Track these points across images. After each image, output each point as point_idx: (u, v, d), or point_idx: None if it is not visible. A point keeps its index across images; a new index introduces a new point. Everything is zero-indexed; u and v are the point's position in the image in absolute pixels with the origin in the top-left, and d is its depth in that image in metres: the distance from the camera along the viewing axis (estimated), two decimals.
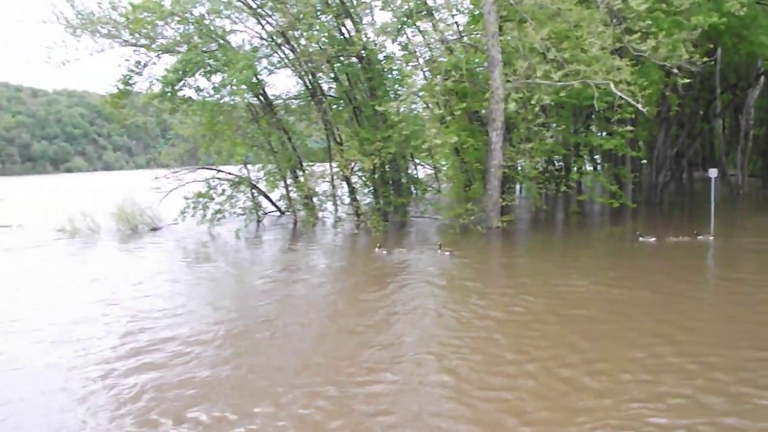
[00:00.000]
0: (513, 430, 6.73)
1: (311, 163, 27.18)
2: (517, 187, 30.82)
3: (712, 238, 17.77)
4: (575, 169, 27.76)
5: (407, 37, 27.16)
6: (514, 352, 9.10)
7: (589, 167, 29.60)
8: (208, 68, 24.38)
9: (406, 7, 24.54)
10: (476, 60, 23.36)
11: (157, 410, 7.54)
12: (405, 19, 25.08)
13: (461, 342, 9.62)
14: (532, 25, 19.19)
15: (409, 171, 31.88)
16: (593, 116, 26.80)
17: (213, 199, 26.31)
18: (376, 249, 18.48)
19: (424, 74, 26.94)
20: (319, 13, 24.01)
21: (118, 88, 25.13)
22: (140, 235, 25.44)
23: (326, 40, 24.04)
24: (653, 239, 18.04)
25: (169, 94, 24.52)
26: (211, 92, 25.21)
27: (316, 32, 23.52)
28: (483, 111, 23.40)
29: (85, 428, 7.20)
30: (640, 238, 18.21)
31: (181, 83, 24.38)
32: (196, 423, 7.18)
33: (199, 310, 12.46)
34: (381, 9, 26.06)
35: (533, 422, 6.86)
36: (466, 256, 17.46)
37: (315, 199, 26.56)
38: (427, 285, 13.84)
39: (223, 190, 26.76)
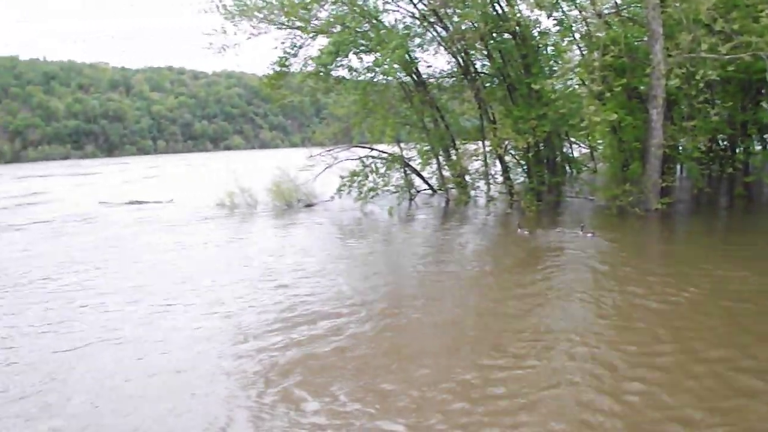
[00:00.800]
0: None
1: (464, 142, 27.00)
2: (678, 167, 29.49)
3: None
4: (742, 148, 26.21)
5: (563, 11, 26.44)
6: (675, 349, 8.30)
7: (758, 147, 27.75)
8: (361, 48, 24.64)
9: None
10: (635, 34, 22.47)
11: (301, 386, 7.65)
12: None
13: (615, 333, 9.04)
14: None
15: (564, 150, 31.13)
16: (764, 91, 25.19)
17: (367, 177, 26.63)
18: (518, 230, 18.13)
19: (580, 50, 26.16)
20: None
21: (274, 70, 25.82)
22: (295, 211, 26.18)
23: (479, 17, 23.72)
24: None
25: (322, 74, 25.00)
26: (364, 72, 25.51)
27: (468, 9, 23.25)
28: (642, 87, 22.47)
29: (233, 400, 7.45)
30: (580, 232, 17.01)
31: (335, 63, 24.76)
32: (334, 399, 7.22)
33: (350, 287, 12.58)
34: None
35: None
36: (621, 240, 16.77)
37: (467, 178, 26.42)
38: (580, 269, 13.29)
39: (377, 168, 27.01)
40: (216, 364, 8.46)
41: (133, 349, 9.18)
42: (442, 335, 9.56)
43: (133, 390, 7.72)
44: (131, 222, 24.23)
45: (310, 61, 25.02)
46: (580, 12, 24.94)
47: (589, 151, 36.68)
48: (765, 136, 28.78)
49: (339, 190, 26.72)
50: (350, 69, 25.68)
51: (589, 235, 16.75)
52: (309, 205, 27.40)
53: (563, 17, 26.14)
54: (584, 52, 23.91)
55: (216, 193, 28.75)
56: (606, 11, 23.07)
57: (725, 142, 27.19)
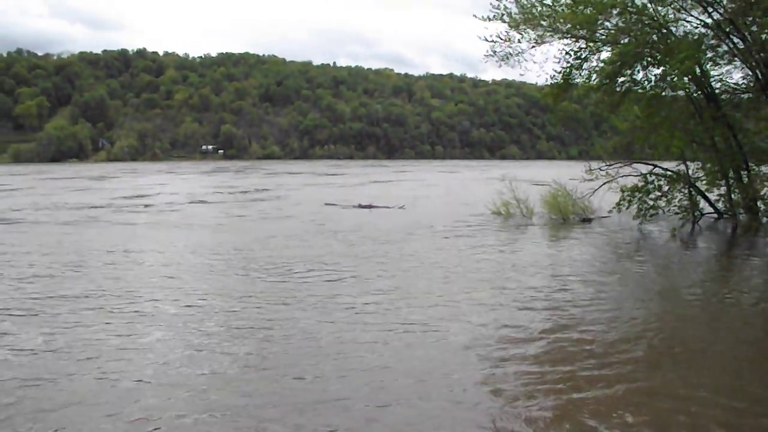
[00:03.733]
0: None
1: (758, 163, 24.99)
2: None
3: None
4: None
5: None
6: None
7: None
8: (647, 59, 23.69)
9: None
10: None
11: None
12: None
13: None
14: None
15: None
16: None
17: (648, 194, 25.51)
18: None
19: None
20: None
21: (557, 81, 25.51)
22: (571, 225, 25.72)
23: None
24: None
25: (606, 86, 24.32)
26: (650, 84, 24.47)
27: None
28: None
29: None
30: None
31: (619, 76, 24.01)
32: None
33: (615, 310, 12.04)
34: None
35: None
36: None
37: (760, 204, 24.44)
38: None
39: (660, 186, 25.77)
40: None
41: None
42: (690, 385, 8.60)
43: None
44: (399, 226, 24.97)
45: (594, 73, 24.48)
46: None
47: None
48: None
49: (618, 205, 25.82)
50: (635, 81, 24.76)
51: None
52: (585, 220, 26.80)
53: None
54: None
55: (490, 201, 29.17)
56: None
57: None
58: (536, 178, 41.25)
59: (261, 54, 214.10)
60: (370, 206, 32.97)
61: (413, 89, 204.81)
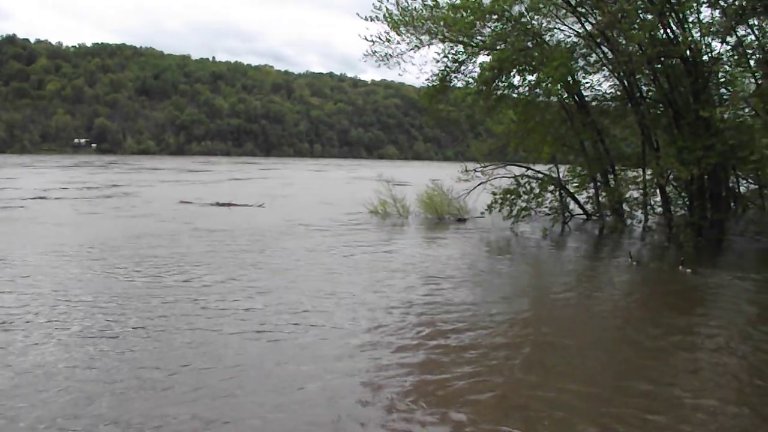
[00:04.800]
0: None
1: (624, 168, 26.21)
2: None
3: None
4: None
5: (737, 36, 25.23)
6: None
7: None
8: (523, 66, 24.42)
9: (738, 2, 22.79)
10: None
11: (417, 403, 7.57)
12: (738, 16, 23.30)
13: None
14: None
15: (730, 184, 29.68)
16: None
17: (520, 196, 26.32)
18: (680, 267, 17.08)
19: (755, 78, 24.88)
20: (641, 11, 23.02)
21: (434, 84, 26.00)
22: (446, 225, 26.27)
23: (647, 40, 22.98)
24: None
25: (483, 91, 24.92)
26: (525, 90, 25.25)
27: (637, 32, 22.57)
28: None
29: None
30: None
31: (496, 81, 24.65)
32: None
33: (487, 307, 12.43)
34: (707, 6, 24.36)
35: None
36: None
37: (625, 206, 25.66)
38: (739, 320, 12.11)
39: (531, 188, 26.64)
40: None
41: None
42: (562, 375, 9.02)
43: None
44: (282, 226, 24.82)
45: (471, 78, 25.07)
46: (758, 38, 23.77)
47: (757, 187, 34.75)
48: None
49: (490, 207, 26.51)
50: (511, 86, 25.50)
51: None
52: (460, 220, 27.41)
53: (741, 42, 24.95)
54: (760, 81, 22.76)
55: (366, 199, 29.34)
56: None
57: None
58: (413, 178, 41.73)
59: (138, 46, 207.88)
60: (229, 204, 32.27)
61: (293, 87, 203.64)
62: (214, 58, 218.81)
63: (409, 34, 24.55)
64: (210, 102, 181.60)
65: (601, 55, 25.53)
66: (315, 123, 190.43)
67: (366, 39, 25.18)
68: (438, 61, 25.67)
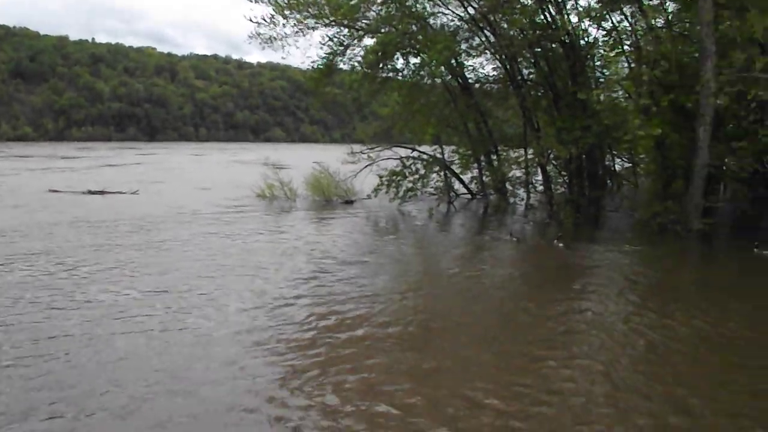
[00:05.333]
0: None
1: (506, 149, 26.96)
2: (722, 187, 29.14)
3: None
4: None
5: (612, 22, 26.23)
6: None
7: None
8: (408, 49, 24.66)
9: None
10: (687, 50, 22.24)
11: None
12: (611, 2, 24.21)
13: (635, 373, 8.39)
14: (754, 14, 17.92)
15: (606, 163, 30.90)
16: None
17: (406, 177, 26.69)
18: (555, 241, 17.98)
19: (628, 62, 25.93)
20: None
21: (320, 67, 26.00)
22: (334, 207, 26.36)
23: (528, 25, 23.62)
24: None
25: (368, 73, 25.06)
26: (410, 73, 25.53)
27: (517, 16, 23.16)
28: (690, 105, 22.24)
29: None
30: (755, 250, 16.61)
31: (381, 64, 24.81)
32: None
33: (376, 285, 12.66)
34: None
35: None
36: (659, 259, 16.65)
37: (507, 185, 26.39)
38: (611, 291, 12.75)
39: (417, 170, 27.04)
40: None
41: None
42: (439, 350, 9.35)
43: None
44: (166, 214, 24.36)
45: (356, 62, 25.18)
46: (631, 24, 24.77)
47: (631, 165, 36.32)
48: None
49: (377, 188, 26.79)
50: (395, 70, 25.73)
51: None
52: (348, 202, 27.55)
53: (614, 28, 25.94)
54: (632, 65, 23.72)
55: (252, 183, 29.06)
56: (657, 25, 22.90)
57: None
58: (300, 160, 41.53)
59: (11, 25, 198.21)
60: (102, 192, 30.24)
61: (176, 69, 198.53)
62: (93, 39, 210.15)
63: (293, 18, 24.42)
64: (90, 85, 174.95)
65: (484, 39, 26.10)
66: (200, 106, 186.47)
67: (251, 20, 24.92)
68: (323, 46, 25.71)
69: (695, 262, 17.55)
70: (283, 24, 24.61)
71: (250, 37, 25.34)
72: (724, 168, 22.84)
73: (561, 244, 17.62)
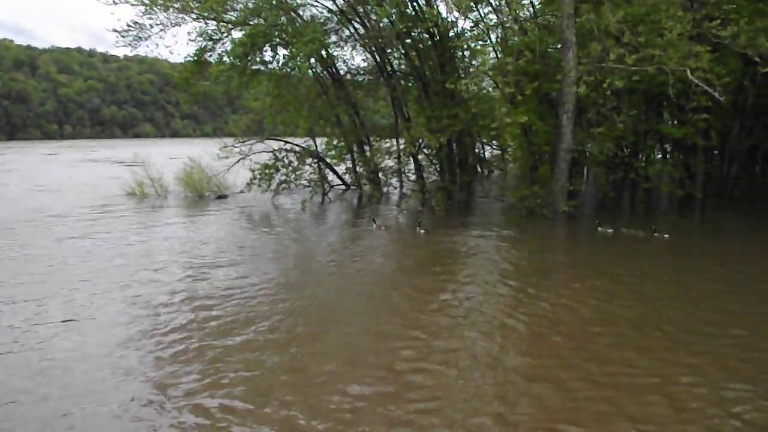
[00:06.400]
0: None
1: (378, 139, 27.21)
2: (585, 171, 30.45)
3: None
4: (643, 156, 27.09)
5: (480, 14, 26.86)
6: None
7: (659, 155, 29.02)
8: (276, 41, 24.46)
9: None
10: (549, 41, 23.04)
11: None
12: None
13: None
14: (608, 7, 18.80)
15: (476, 150, 31.72)
16: (665, 103, 26.18)
17: (279, 170, 26.57)
18: (417, 228, 18.42)
19: (495, 53, 26.64)
20: None
21: (187, 62, 25.53)
22: (207, 202, 25.91)
23: (397, 16, 23.88)
24: (611, 230, 17.76)
25: (238, 66, 24.68)
26: (279, 65, 25.31)
27: (385, 8, 23.38)
28: (554, 93, 23.10)
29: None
30: (599, 229, 17.95)
31: (250, 56, 24.49)
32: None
33: (251, 279, 12.67)
34: None
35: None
36: (527, 242, 17.25)
37: (381, 175, 26.66)
38: (478, 273, 13.35)
39: (290, 162, 26.95)
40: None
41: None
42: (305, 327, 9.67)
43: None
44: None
45: (225, 54, 24.74)
46: (497, 16, 25.44)
47: (500, 152, 37.44)
48: (666, 145, 30.01)
49: (250, 182, 26.59)
50: (264, 62, 25.46)
51: (383, 228, 18.46)
52: (221, 197, 27.18)
53: (481, 19, 26.59)
54: (499, 55, 24.39)
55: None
56: (522, 17, 23.63)
57: (629, 150, 28.11)
58: (171, 156, 40.58)
59: None
60: None
61: (37, 63, 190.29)
62: None
63: (160, 12, 23.83)
64: None
65: (353, 30, 26.25)
66: (64, 102, 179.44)
67: (115, 30, 24.17)
68: (191, 41, 25.25)
69: (560, 243, 18.31)
70: (150, 26, 24.01)
71: (114, 31, 24.50)
72: (587, 153, 23.86)
73: (422, 231, 18.16)
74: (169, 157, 41.18)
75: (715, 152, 29.52)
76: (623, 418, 6.67)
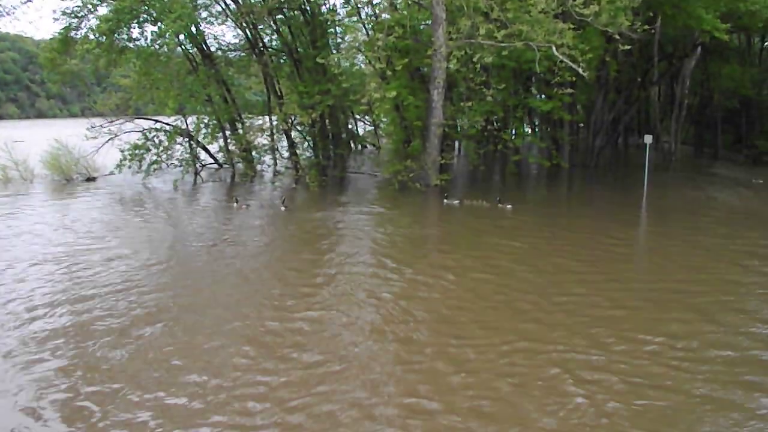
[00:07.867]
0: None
1: (250, 116, 26.87)
2: (456, 145, 31.11)
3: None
4: (512, 130, 27.88)
5: None
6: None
7: (527, 129, 30.04)
8: (144, 18, 23.71)
9: None
10: (420, 17, 23.34)
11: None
12: None
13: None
14: None
15: (349, 126, 31.86)
16: (533, 79, 27.02)
17: (149, 150, 25.93)
18: (282, 207, 18.58)
19: (366, 29, 26.75)
20: None
21: (52, 41, 24.52)
22: (75, 185, 24.98)
23: None
24: (456, 202, 18.87)
25: (103, 43, 23.79)
26: (147, 42, 24.58)
27: None
28: (425, 69, 23.44)
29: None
30: (445, 201, 18.91)
31: (116, 33, 23.68)
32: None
33: (128, 259, 12.54)
34: None
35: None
36: (399, 216, 17.66)
37: (254, 153, 26.40)
38: (358, 249, 13.56)
39: (160, 141, 26.32)
40: None
41: None
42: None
43: None
44: None
45: (91, 31, 23.85)
46: None
47: (373, 128, 37.72)
48: (534, 119, 31.03)
49: (120, 164, 25.83)
50: (131, 39, 24.67)
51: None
52: (90, 179, 26.26)
53: None
54: (370, 32, 24.54)
55: None
56: None
57: (498, 123, 28.84)
58: (36, 138, 38.85)
59: None
60: None
61: None
62: None
63: None
64: None
65: (224, 6, 25.83)
66: None
67: None
68: (56, 20, 24.20)
69: (430, 215, 18.69)
70: None
71: None
72: (458, 127, 24.42)
73: (284, 208, 18.41)
74: (34, 138, 39.44)
75: (581, 125, 30.77)
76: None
